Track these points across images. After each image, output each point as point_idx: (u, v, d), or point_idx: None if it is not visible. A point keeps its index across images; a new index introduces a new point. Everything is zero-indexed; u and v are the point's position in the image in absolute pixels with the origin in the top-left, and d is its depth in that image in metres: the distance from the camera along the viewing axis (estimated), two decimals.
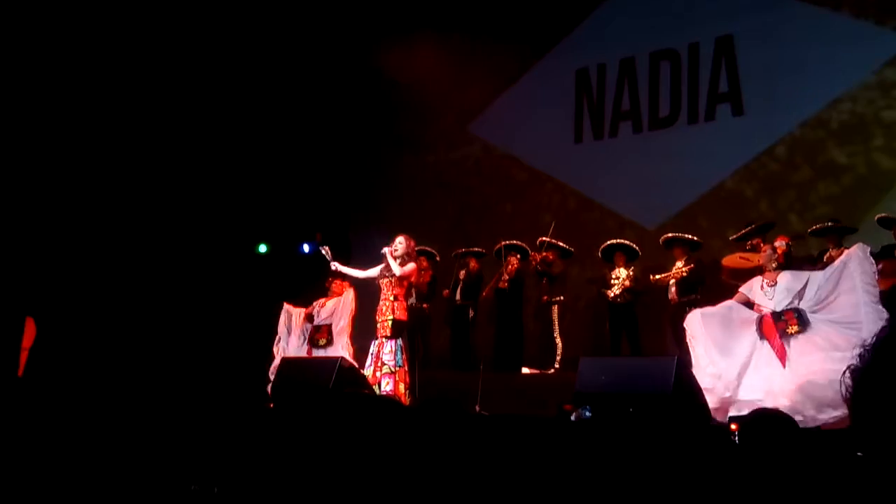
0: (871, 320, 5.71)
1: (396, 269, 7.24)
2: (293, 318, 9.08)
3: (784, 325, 6.19)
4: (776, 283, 6.45)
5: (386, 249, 7.31)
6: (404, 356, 7.27)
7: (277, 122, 12.23)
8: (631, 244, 8.96)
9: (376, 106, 12.57)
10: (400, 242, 7.37)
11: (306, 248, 11.47)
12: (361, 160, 12.69)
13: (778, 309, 6.31)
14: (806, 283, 6.28)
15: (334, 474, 4.53)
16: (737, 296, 6.73)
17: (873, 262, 6.07)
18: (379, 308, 7.38)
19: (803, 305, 6.22)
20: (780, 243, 6.78)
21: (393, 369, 7.12)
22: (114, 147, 11.17)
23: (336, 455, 4.71)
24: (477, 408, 7.16)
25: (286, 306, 9.23)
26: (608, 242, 9.07)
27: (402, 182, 12.26)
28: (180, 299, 11.29)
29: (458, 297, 9.93)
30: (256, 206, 11.92)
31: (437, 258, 10.22)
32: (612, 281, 8.87)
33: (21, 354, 10.11)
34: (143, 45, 11.15)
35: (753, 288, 6.61)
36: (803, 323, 6.10)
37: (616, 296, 8.82)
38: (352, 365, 7.22)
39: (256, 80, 12.02)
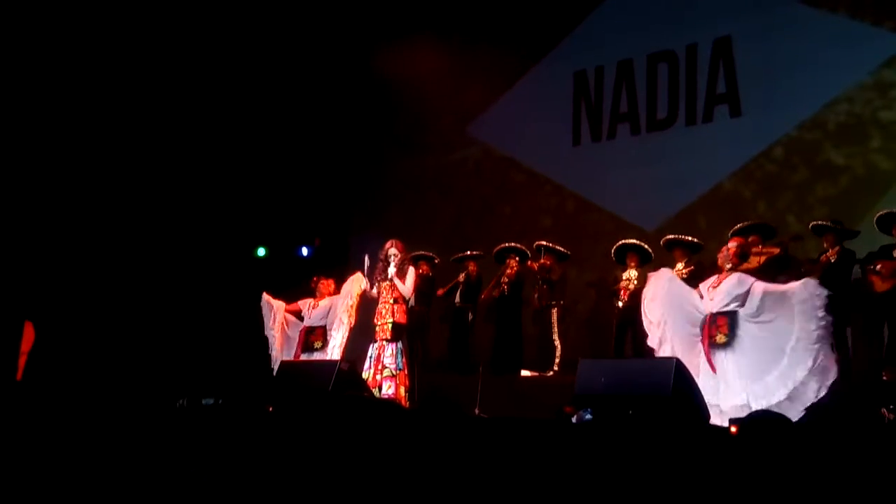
0: (799, 360, 5.81)
1: (405, 290, 7.23)
2: (276, 315, 8.40)
3: (715, 331, 6.21)
4: (720, 284, 6.42)
5: (391, 272, 7.23)
6: (405, 359, 7.25)
7: (276, 125, 12.24)
8: (645, 246, 8.83)
9: (375, 108, 12.58)
10: (394, 254, 7.28)
11: (305, 251, 11.46)
12: (360, 162, 12.71)
13: (714, 311, 6.29)
14: (748, 291, 6.19)
15: (335, 476, 4.53)
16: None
17: (821, 299, 5.90)
18: (378, 311, 7.35)
19: (744, 312, 6.19)
20: (732, 244, 6.78)
21: (394, 372, 7.11)
22: (112, 151, 11.18)
23: (337, 457, 4.71)
24: (476, 410, 7.16)
25: (266, 298, 8.54)
26: (621, 242, 8.89)
27: (401, 184, 12.27)
28: (179, 303, 11.29)
29: (457, 299, 9.93)
30: (255, 210, 11.92)
31: (436, 261, 10.22)
32: (622, 283, 8.80)
33: (20, 359, 10.10)
34: (142, 48, 11.16)
35: (702, 287, 6.63)
36: (732, 334, 6.12)
37: (626, 302, 8.73)
38: (351, 367, 7.17)
39: (255, 82, 12.03)
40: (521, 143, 11.34)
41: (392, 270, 7.25)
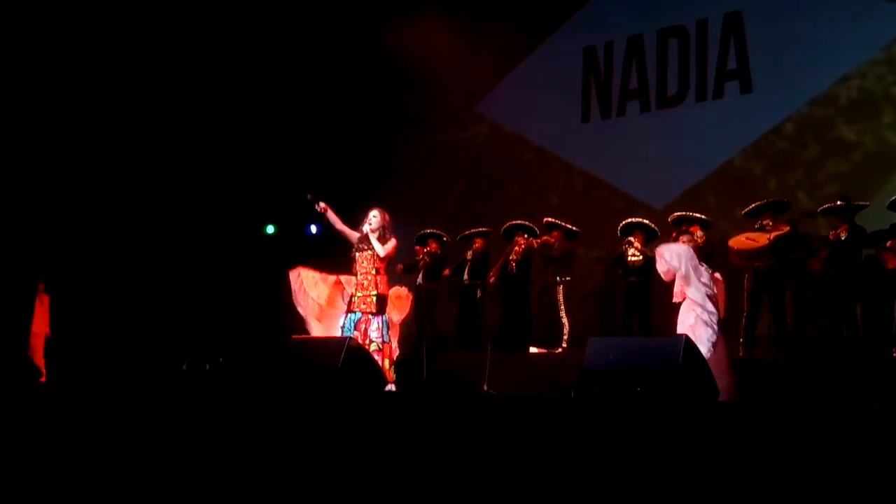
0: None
1: (380, 250, 6.95)
2: (319, 286, 7.52)
3: None
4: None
5: (367, 228, 7.00)
6: (390, 332, 7.15)
7: (284, 103, 12.21)
8: (651, 224, 8.89)
9: (383, 86, 12.52)
10: (374, 216, 7.00)
11: (313, 228, 11.47)
12: (368, 140, 12.67)
13: None
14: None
15: (344, 453, 4.56)
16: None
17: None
18: (359, 283, 7.02)
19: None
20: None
21: (380, 346, 6.93)
22: (121, 132, 11.21)
23: (346, 433, 4.74)
24: (485, 387, 7.18)
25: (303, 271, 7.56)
26: (628, 220, 9.00)
27: (410, 162, 12.25)
28: (189, 282, 11.35)
29: (465, 277, 9.94)
30: (263, 188, 11.93)
31: (445, 239, 10.23)
32: (630, 257, 8.82)
33: (36, 340, 10.20)
34: (146, 27, 11.14)
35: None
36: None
37: (634, 262, 8.77)
38: (360, 344, 7.10)
39: (263, 60, 12.00)
40: (529, 120, 11.28)
41: (367, 228, 6.98)
